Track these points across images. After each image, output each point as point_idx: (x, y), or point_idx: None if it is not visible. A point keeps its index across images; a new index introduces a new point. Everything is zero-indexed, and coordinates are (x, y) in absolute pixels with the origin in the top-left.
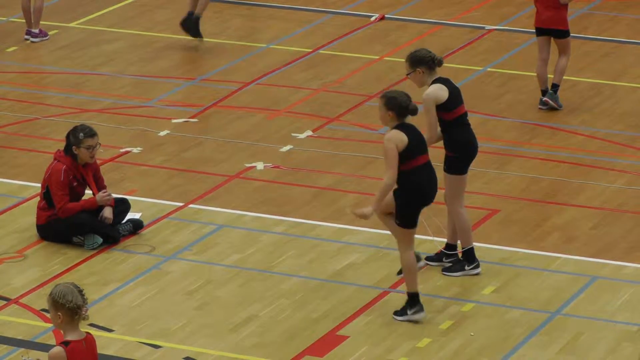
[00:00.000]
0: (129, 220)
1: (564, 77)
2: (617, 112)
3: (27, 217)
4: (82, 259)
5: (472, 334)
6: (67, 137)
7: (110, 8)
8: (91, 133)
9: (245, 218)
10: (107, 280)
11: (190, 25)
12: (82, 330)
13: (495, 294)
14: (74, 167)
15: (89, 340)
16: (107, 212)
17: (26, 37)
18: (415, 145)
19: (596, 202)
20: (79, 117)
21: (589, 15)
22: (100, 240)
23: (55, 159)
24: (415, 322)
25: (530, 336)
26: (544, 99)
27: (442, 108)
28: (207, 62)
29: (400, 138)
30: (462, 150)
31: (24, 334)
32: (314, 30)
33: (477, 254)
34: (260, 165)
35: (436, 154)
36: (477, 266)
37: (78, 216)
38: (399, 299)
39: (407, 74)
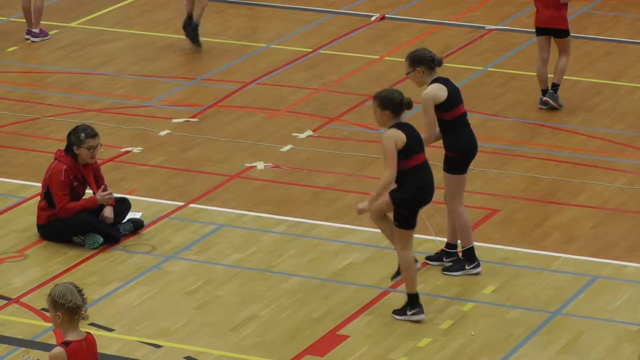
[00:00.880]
0: (129, 219)
1: (564, 77)
2: (617, 112)
3: (28, 217)
4: (82, 259)
5: (472, 333)
6: (68, 136)
7: (110, 8)
8: (93, 133)
9: (246, 218)
10: (107, 279)
11: (189, 32)
12: (82, 330)
13: (495, 293)
14: (75, 166)
15: (89, 340)
16: (108, 212)
17: (27, 36)
18: (413, 144)
19: (596, 201)
20: (80, 117)
21: (589, 15)
22: (101, 239)
23: (55, 158)
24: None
25: (531, 336)
26: (544, 98)
27: (441, 108)
28: (207, 62)
29: (399, 136)
30: (461, 150)
31: (24, 333)
32: (315, 30)
33: (478, 254)
34: (260, 165)
35: (436, 154)
36: (478, 265)
37: (78, 216)
38: (399, 298)
39: (407, 74)
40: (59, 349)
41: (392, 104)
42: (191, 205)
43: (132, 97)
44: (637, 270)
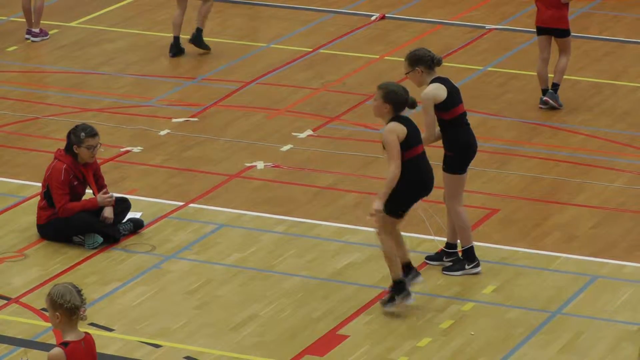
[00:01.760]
0: (129, 219)
1: (565, 77)
2: (617, 112)
3: (28, 217)
4: (82, 259)
5: (472, 333)
6: (68, 136)
7: (111, 8)
8: (93, 133)
9: (246, 217)
10: (107, 279)
11: (195, 40)
12: (81, 330)
13: (495, 293)
14: (75, 166)
15: (88, 340)
16: (108, 212)
17: (27, 36)
18: (413, 136)
19: (596, 201)
20: (80, 117)
21: (589, 14)
22: (101, 239)
23: (55, 158)
24: (407, 305)
25: (531, 336)
26: (545, 98)
27: (441, 107)
28: (207, 61)
29: (400, 129)
30: (461, 150)
31: (24, 333)
32: (315, 29)
33: (478, 254)
34: (260, 165)
35: (436, 154)
36: (478, 265)
37: (78, 216)
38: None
39: (406, 73)
40: (57, 350)
41: (396, 101)
42: (191, 205)
43: (132, 96)
44: (637, 270)
